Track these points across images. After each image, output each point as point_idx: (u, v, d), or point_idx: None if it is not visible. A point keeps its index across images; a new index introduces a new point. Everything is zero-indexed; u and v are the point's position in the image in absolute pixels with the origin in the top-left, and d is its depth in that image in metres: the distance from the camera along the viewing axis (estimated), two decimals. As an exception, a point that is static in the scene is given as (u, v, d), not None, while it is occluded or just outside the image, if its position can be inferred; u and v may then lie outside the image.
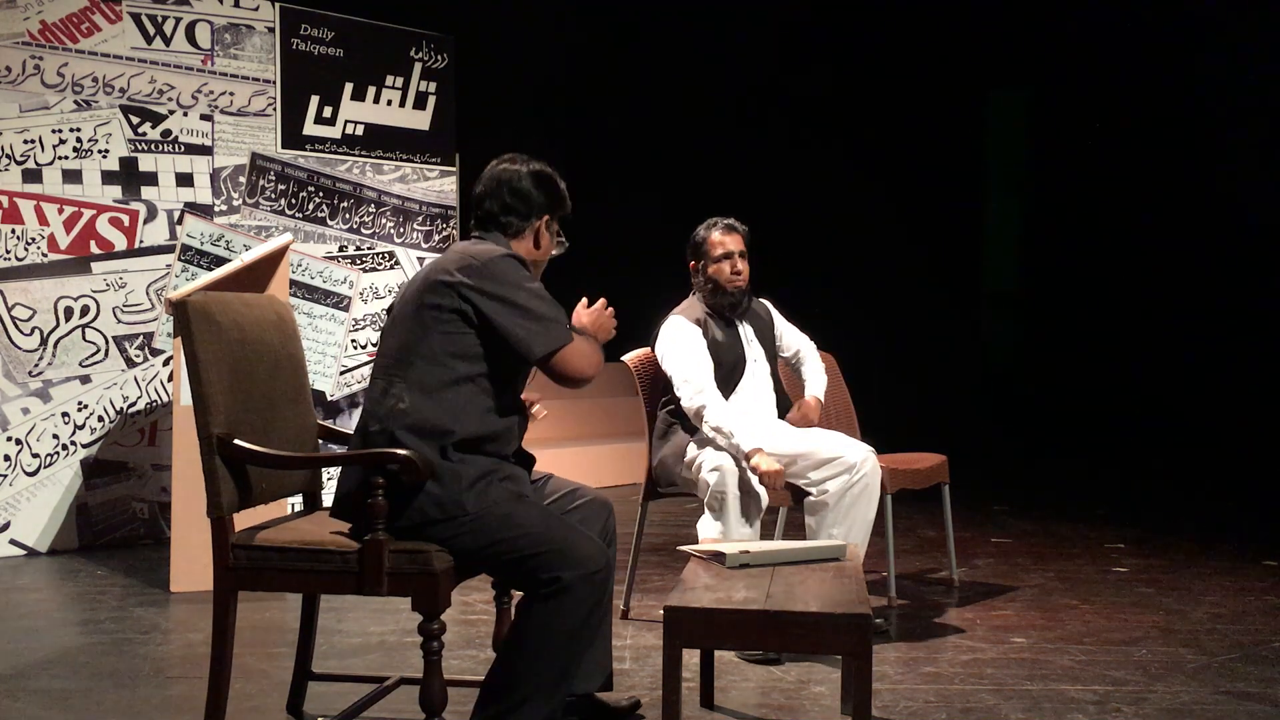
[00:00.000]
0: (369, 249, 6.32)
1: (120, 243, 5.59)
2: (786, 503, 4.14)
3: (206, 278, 4.63)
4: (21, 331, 5.36)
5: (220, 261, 5.54)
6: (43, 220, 5.42)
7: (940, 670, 3.50)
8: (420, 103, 6.52)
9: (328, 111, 6.18)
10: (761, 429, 3.86)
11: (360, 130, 6.30)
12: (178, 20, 5.73)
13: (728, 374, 3.95)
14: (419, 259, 6.49)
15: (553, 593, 2.51)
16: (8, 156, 5.36)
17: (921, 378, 10.00)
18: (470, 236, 2.87)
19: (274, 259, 4.75)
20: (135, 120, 5.63)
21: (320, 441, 3.10)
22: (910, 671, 3.48)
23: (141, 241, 5.63)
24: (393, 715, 3.03)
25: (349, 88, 6.26)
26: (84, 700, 3.21)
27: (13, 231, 5.36)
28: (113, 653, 3.69)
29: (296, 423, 2.92)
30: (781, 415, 4.09)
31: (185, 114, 5.76)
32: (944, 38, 9.85)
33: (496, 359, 2.67)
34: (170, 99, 5.72)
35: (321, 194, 6.17)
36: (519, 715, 2.52)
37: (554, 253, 2.92)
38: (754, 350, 4.06)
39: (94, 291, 5.51)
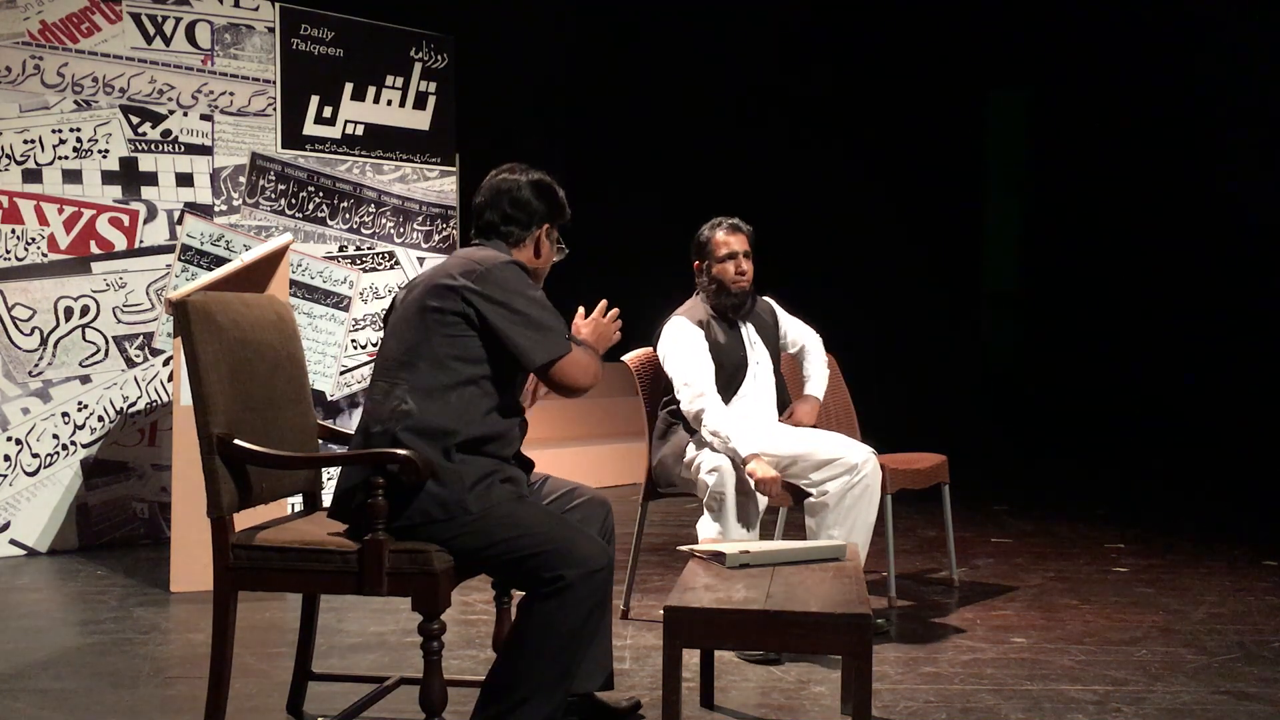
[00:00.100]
0: (369, 249, 6.32)
1: (120, 243, 5.59)
2: (787, 503, 4.15)
3: (206, 278, 4.63)
4: (21, 331, 5.36)
5: (220, 261, 5.54)
6: (43, 220, 5.42)
7: (940, 670, 3.50)
8: (420, 103, 6.52)
9: (328, 111, 6.18)
10: (762, 430, 3.86)
11: (360, 130, 6.30)
12: (178, 20, 5.73)
13: (729, 377, 3.95)
14: (419, 259, 6.49)
15: (554, 591, 2.52)
16: (8, 156, 5.36)
17: (921, 378, 10.00)
18: (472, 244, 2.90)
19: (274, 259, 4.75)
20: (135, 120, 5.63)
21: (320, 441, 3.10)
22: (910, 671, 3.48)
23: (141, 241, 5.63)
24: (393, 715, 3.03)
25: (349, 88, 6.26)
26: (84, 700, 3.21)
27: (13, 231, 5.36)
28: (113, 653, 3.69)
29: (296, 423, 2.92)
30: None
31: (185, 114, 5.76)
32: (944, 38, 9.85)
33: (498, 362, 2.69)
34: (170, 99, 5.72)
35: (321, 194, 6.17)
36: (520, 715, 2.52)
37: (555, 259, 2.96)
38: (756, 352, 4.06)
39: (94, 291, 5.51)
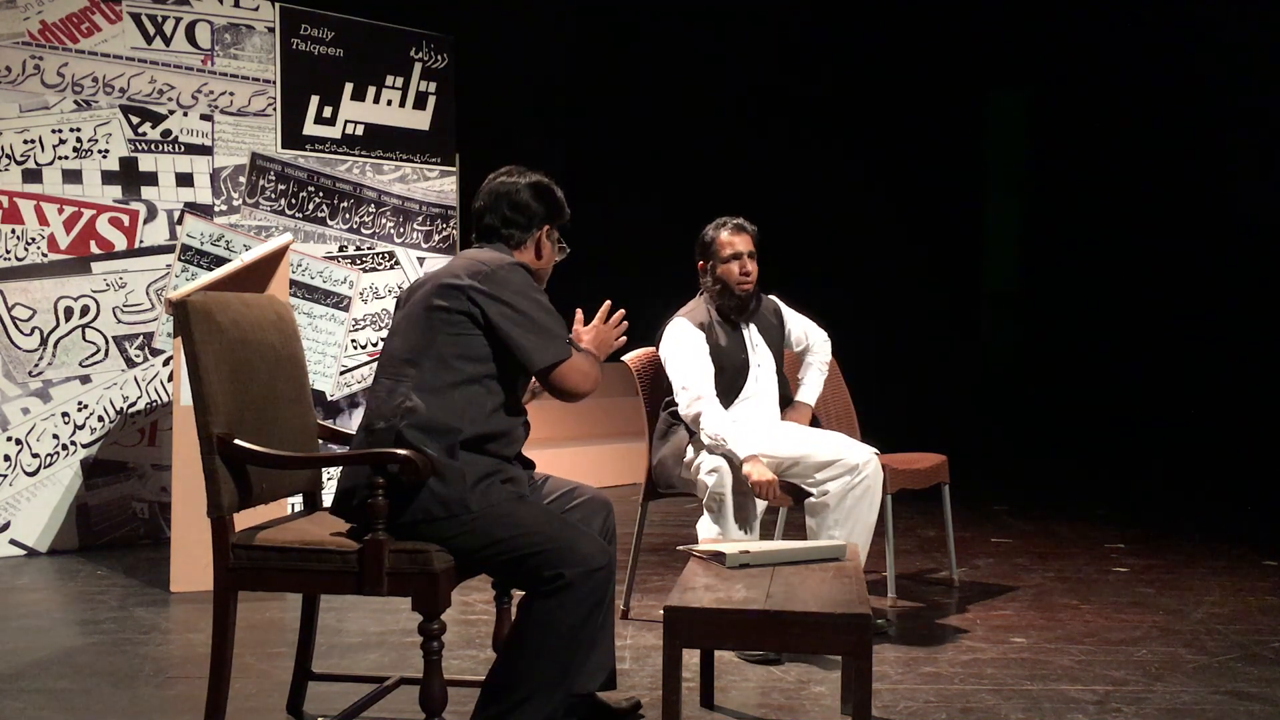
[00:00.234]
0: (369, 249, 6.32)
1: (120, 243, 5.59)
2: (787, 504, 4.14)
3: (206, 278, 4.63)
4: (21, 331, 5.36)
5: (220, 261, 5.54)
6: (43, 220, 5.42)
7: (940, 670, 3.50)
8: (420, 103, 6.52)
9: (328, 111, 6.18)
10: (764, 432, 3.85)
11: (360, 130, 6.30)
12: (178, 20, 5.73)
13: (730, 379, 3.94)
14: (419, 259, 6.49)
15: (555, 590, 2.52)
16: (8, 156, 5.36)
17: (921, 378, 10.00)
18: (473, 247, 2.91)
19: (274, 259, 4.75)
20: (135, 120, 5.63)
21: (320, 441, 3.10)
22: (910, 671, 3.48)
23: (141, 241, 5.63)
24: (393, 715, 3.03)
25: (349, 88, 6.26)
26: (84, 700, 3.21)
27: (13, 231, 5.36)
28: (113, 653, 3.69)
29: (296, 423, 2.92)
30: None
31: (185, 114, 5.76)
32: (944, 38, 9.85)
33: (502, 362, 2.71)
34: (170, 99, 5.72)
35: (321, 194, 6.17)
36: (520, 714, 2.52)
37: (556, 259, 2.97)
38: (758, 354, 4.04)
39: (94, 291, 5.51)
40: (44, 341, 5.40)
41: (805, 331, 4.24)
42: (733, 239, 3.97)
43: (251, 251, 4.74)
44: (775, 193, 9.05)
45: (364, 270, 6.29)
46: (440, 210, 6.60)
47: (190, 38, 5.76)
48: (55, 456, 5.42)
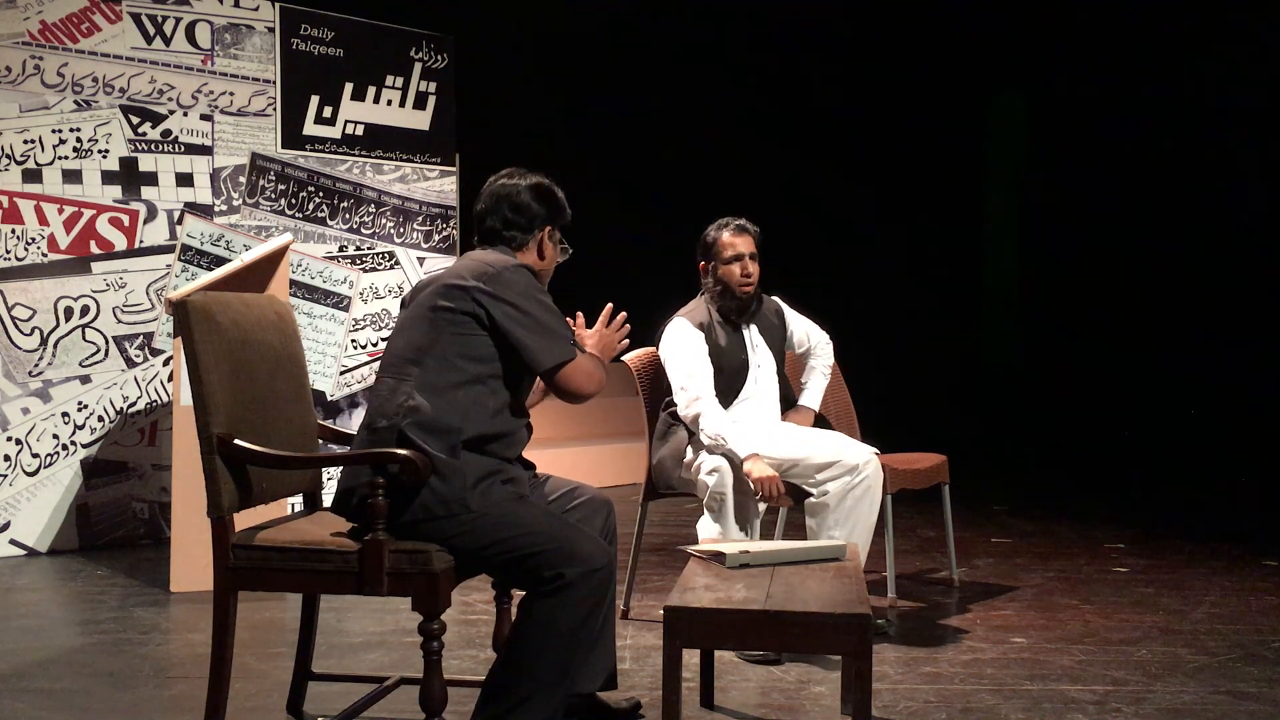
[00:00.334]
0: (369, 249, 6.32)
1: (120, 243, 5.59)
2: (787, 504, 4.14)
3: (206, 278, 4.63)
4: (21, 331, 5.36)
5: (220, 261, 5.54)
6: (43, 220, 5.42)
7: (940, 670, 3.50)
8: (420, 103, 6.52)
9: (328, 111, 6.18)
10: (764, 433, 3.85)
11: (360, 130, 6.30)
12: (178, 20, 5.73)
13: (730, 380, 3.94)
14: (419, 259, 6.49)
15: (554, 590, 2.52)
16: (8, 156, 5.36)
17: (921, 378, 10.00)
18: (476, 249, 2.92)
19: (274, 259, 4.75)
20: (135, 120, 5.63)
21: (320, 441, 3.10)
22: (910, 671, 3.48)
23: (141, 241, 5.63)
24: (393, 715, 3.03)
25: (349, 88, 6.26)
26: (84, 700, 3.21)
27: (13, 231, 5.36)
28: (113, 653, 3.69)
29: (297, 423, 2.92)
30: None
31: (185, 114, 5.76)
32: (944, 38, 9.86)
33: (506, 363, 2.72)
34: (170, 99, 5.72)
35: (321, 194, 6.17)
36: (520, 714, 2.52)
37: (559, 259, 2.99)
38: (759, 355, 4.04)
39: (94, 291, 5.51)
40: (44, 341, 5.40)
41: (807, 333, 4.23)
42: (734, 240, 3.97)
43: (251, 251, 4.74)
44: (775, 192, 9.06)
45: (364, 270, 6.29)
46: (440, 210, 6.60)
47: (190, 38, 5.76)
48: (55, 456, 5.42)
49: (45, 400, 5.40)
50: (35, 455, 5.37)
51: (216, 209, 5.81)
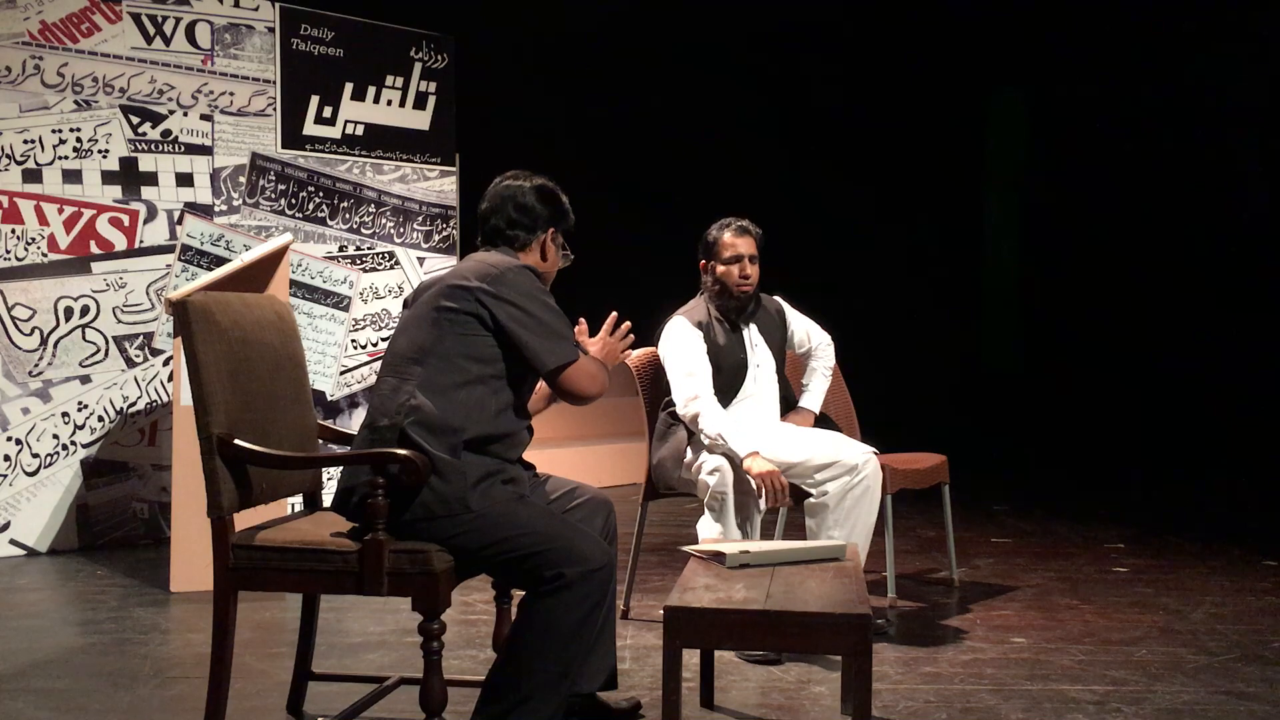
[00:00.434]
0: (369, 249, 6.32)
1: (120, 243, 5.59)
2: (788, 504, 4.14)
3: (206, 278, 4.63)
4: (21, 331, 5.36)
5: (220, 261, 5.54)
6: (43, 220, 5.42)
7: (940, 670, 3.50)
8: (420, 103, 6.52)
9: (328, 111, 6.18)
10: (763, 434, 3.84)
11: (360, 130, 6.30)
12: (178, 20, 5.73)
13: (729, 380, 3.94)
14: (419, 259, 6.49)
15: (554, 590, 2.52)
16: (8, 156, 5.36)
17: (921, 378, 10.00)
18: (479, 249, 2.92)
19: (274, 259, 4.75)
20: (135, 120, 5.63)
21: (320, 441, 3.11)
22: (910, 671, 3.48)
23: (141, 241, 5.63)
24: (393, 715, 3.03)
25: (349, 88, 6.26)
26: (84, 700, 3.21)
27: (13, 231, 5.36)
28: (113, 653, 3.69)
29: (297, 423, 2.92)
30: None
31: (185, 114, 5.76)
32: (943, 38, 9.85)
33: (508, 364, 2.72)
34: (170, 99, 5.72)
35: (321, 194, 6.17)
36: (520, 714, 2.53)
37: (560, 265, 2.99)
38: (758, 354, 4.03)
39: (94, 291, 5.51)
40: (44, 341, 5.40)
41: (808, 333, 4.23)
42: (735, 241, 3.96)
43: (251, 251, 4.74)
44: (775, 192, 9.06)
45: (364, 270, 6.29)
46: (440, 210, 6.60)
47: (190, 38, 5.76)
48: (55, 456, 5.42)
49: (45, 400, 5.40)
50: (35, 455, 5.37)
51: (216, 209, 5.81)
